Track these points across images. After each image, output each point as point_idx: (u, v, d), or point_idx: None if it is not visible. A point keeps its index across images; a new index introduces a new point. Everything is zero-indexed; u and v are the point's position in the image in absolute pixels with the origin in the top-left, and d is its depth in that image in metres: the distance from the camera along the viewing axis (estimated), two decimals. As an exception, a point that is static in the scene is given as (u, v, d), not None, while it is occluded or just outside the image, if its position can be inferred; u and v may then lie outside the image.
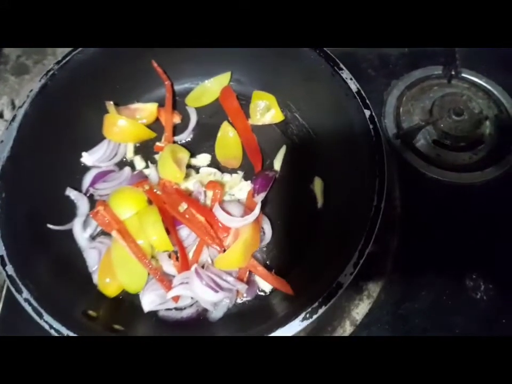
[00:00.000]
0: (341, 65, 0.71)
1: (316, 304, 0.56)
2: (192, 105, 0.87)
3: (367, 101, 0.68)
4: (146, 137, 0.84)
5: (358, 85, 0.69)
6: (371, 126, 0.66)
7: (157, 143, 0.82)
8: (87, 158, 0.81)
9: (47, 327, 0.57)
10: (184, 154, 0.78)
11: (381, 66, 1.01)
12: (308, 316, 0.55)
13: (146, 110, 0.84)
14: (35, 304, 0.59)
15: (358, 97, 0.68)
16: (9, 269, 0.61)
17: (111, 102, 0.82)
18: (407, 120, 0.92)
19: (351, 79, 0.70)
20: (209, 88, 0.87)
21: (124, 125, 0.81)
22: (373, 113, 0.67)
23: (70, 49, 0.77)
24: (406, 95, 0.95)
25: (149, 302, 0.69)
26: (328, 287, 0.56)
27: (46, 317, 0.58)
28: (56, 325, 0.57)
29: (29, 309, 0.59)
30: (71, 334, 0.56)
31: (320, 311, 0.56)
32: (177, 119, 0.85)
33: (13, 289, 0.60)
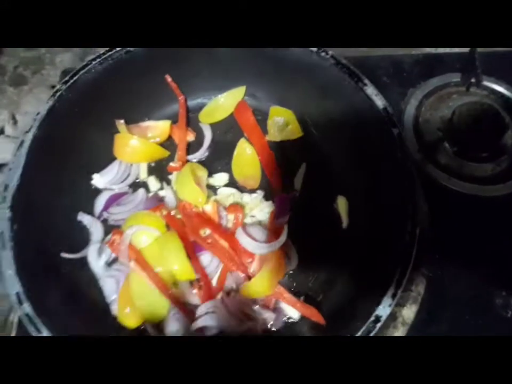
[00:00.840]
0: (366, 81, 0.68)
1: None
2: (206, 121, 0.83)
3: (394, 118, 0.65)
4: (159, 156, 0.80)
5: (384, 102, 0.66)
6: (399, 144, 0.63)
7: (171, 164, 0.79)
8: (98, 180, 0.78)
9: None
10: (203, 173, 0.75)
11: (396, 74, 0.98)
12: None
13: (158, 127, 0.81)
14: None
15: (384, 114, 0.65)
16: (27, 307, 0.58)
17: (122, 121, 0.78)
18: (426, 130, 0.89)
19: (376, 95, 0.67)
20: (223, 103, 0.83)
21: (136, 145, 0.77)
22: (401, 132, 0.64)
23: (74, 67, 0.74)
24: (425, 105, 0.92)
25: (173, 333, 0.66)
26: (366, 320, 0.54)
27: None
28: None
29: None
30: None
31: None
32: (191, 137, 0.82)
33: (31, 329, 0.57)
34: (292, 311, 0.67)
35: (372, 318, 0.54)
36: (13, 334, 0.78)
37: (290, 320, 0.68)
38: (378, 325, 0.53)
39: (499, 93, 0.92)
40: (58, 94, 0.71)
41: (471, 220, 0.82)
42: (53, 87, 1.24)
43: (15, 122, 1.17)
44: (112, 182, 0.78)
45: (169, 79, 0.81)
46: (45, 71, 1.33)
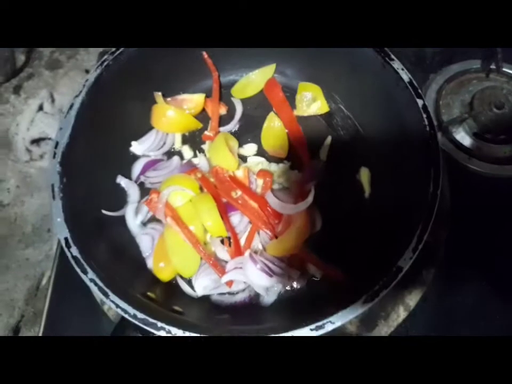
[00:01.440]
0: (392, 56, 0.72)
1: (377, 287, 0.57)
2: (238, 96, 0.89)
3: (419, 91, 0.69)
4: (193, 127, 0.86)
5: (409, 75, 0.70)
6: (424, 115, 0.67)
7: (206, 132, 0.84)
8: (136, 147, 0.83)
9: (113, 306, 0.59)
10: (234, 143, 0.80)
11: (418, 61, 1.02)
12: (369, 299, 0.56)
13: (193, 100, 0.86)
14: (101, 284, 0.60)
15: (410, 87, 0.69)
16: (74, 250, 0.63)
17: (159, 93, 0.84)
18: (447, 113, 0.93)
19: (402, 69, 0.71)
20: (254, 80, 0.88)
21: (172, 115, 0.82)
22: (426, 103, 0.68)
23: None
24: (445, 89, 0.96)
25: (203, 287, 0.71)
26: (389, 271, 0.57)
27: (112, 296, 0.59)
28: (122, 304, 0.59)
29: (94, 289, 0.60)
30: (137, 313, 0.58)
31: (381, 295, 0.56)
32: (223, 110, 0.87)
33: (78, 270, 0.61)
34: (315, 270, 0.71)
35: (394, 269, 0.57)
36: (48, 296, 0.84)
37: (313, 279, 0.72)
38: (400, 274, 0.57)
39: (519, 79, 0.95)
40: (105, 63, 0.76)
41: (491, 198, 0.85)
42: (87, 71, 1.32)
43: (53, 100, 1.23)
44: (149, 149, 0.83)
45: (205, 55, 0.86)
46: (79, 56, 1.40)
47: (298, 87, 0.86)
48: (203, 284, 0.71)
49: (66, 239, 0.64)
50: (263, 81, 0.88)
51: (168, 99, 0.86)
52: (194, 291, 0.72)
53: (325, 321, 0.56)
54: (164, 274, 0.72)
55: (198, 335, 0.55)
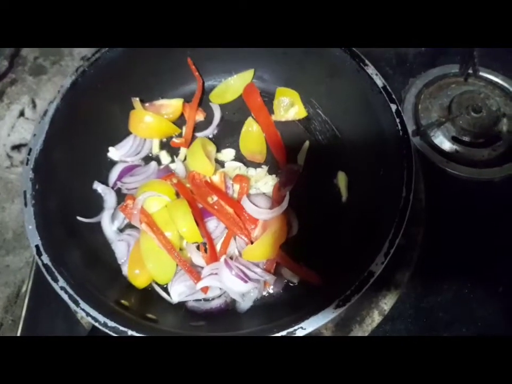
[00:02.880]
0: (366, 61, 0.73)
1: (349, 292, 0.57)
2: (216, 102, 0.88)
3: (393, 96, 0.69)
4: (171, 132, 0.85)
5: (383, 80, 0.71)
6: (398, 120, 0.67)
7: (174, 139, 0.84)
8: (113, 152, 0.83)
9: (83, 314, 0.58)
10: (212, 148, 0.80)
11: (398, 65, 1.03)
12: (340, 303, 0.56)
13: (171, 106, 0.86)
14: (71, 292, 0.60)
15: (384, 92, 0.70)
16: (45, 258, 0.62)
17: (137, 99, 0.84)
18: (425, 117, 0.94)
19: (376, 74, 0.71)
20: (232, 85, 0.88)
21: (150, 121, 0.82)
22: (399, 108, 0.68)
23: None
24: (424, 93, 0.97)
25: (178, 293, 0.70)
26: (360, 276, 0.57)
27: (83, 304, 0.59)
28: (93, 312, 0.58)
29: (65, 297, 0.60)
30: (108, 321, 0.57)
31: (353, 299, 0.56)
32: (200, 116, 0.87)
33: (49, 278, 0.61)
34: (291, 275, 0.71)
35: (365, 274, 0.57)
36: (25, 303, 0.83)
37: (289, 284, 0.72)
38: (372, 279, 0.57)
39: (495, 83, 0.96)
40: (80, 69, 0.76)
41: (469, 200, 0.86)
42: (71, 76, 1.30)
43: (34, 106, 1.23)
44: (126, 155, 0.83)
45: (190, 62, 0.86)
46: (63, 62, 1.40)
47: (276, 92, 0.86)
48: (178, 290, 0.71)
49: (37, 246, 0.63)
50: (242, 86, 0.88)
51: (146, 104, 0.86)
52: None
53: (296, 327, 0.56)
54: (139, 281, 0.71)
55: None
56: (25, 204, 0.66)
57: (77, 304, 0.59)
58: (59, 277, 0.61)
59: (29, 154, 0.70)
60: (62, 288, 0.60)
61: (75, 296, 0.59)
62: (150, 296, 0.72)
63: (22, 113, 1.17)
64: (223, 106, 0.88)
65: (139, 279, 0.72)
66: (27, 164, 0.69)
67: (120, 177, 0.81)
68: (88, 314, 0.58)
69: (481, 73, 0.96)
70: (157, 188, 0.74)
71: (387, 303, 0.70)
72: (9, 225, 1.10)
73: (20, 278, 1.04)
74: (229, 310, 0.71)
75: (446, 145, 0.90)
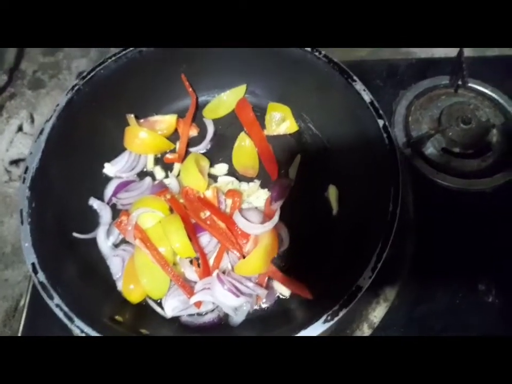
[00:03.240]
0: (354, 77, 0.74)
1: (337, 306, 0.58)
2: (209, 117, 0.90)
3: (380, 111, 0.71)
4: (165, 148, 0.87)
5: (371, 96, 0.72)
6: (385, 135, 0.69)
7: (167, 155, 0.86)
8: (109, 168, 0.84)
9: (78, 331, 0.59)
10: (205, 163, 0.81)
11: (389, 77, 1.04)
12: (329, 318, 0.57)
13: (165, 121, 0.88)
14: (66, 309, 0.61)
15: (371, 107, 0.71)
16: (41, 276, 0.63)
17: (132, 115, 0.85)
18: (416, 128, 0.95)
19: (364, 90, 0.73)
20: (225, 101, 0.90)
21: (145, 137, 0.84)
22: (386, 123, 0.69)
23: (91, 66, 0.80)
24: (415, 105, 0.98)
25: (172, 308, 0.71)
26: (348, 291, 0.59)
27: (77, 321, 0.60)
28: (87, 329, 0.59)
29: (60, 314, 0.61)
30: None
31: (341, 314, 0.58)
32: (194, 132, 0.89)
33: (44, 296, 0.62)
34: (283, 289, 0.72)
35: (353, 289, 0.58)
36: (23, 317, 0.84)
37: (281, 297, 0.73)
38: (359, 294, 0.58)
39: (485, 94, 0.97)
40: (76, 88, 0.78)
41: (460, 211, 0.86)
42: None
43: (32, 121, 1.25)
44: (121, 170, 0.85)
45: (184, 79, 0.88)
46: (61, 75, 1.42)
47: (268, 108, 0.88)
48: (172, 305, 0.72)
49: (33, 264, 0.64)
50: (234, 101, 0.89)
51: (141, 121, 0.88)
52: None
53: (285, 342, 0.57)
54: (134, 296, 0.73)
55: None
56: (22, 222, 0.68)
57: (72, 321, 0.60)
58: (54, 295, 0.62)
59: (25, 172, 0.71)
60: (57, 305, 0.61)
61: (70, 313, 0.61)
62: (144, 311, 0.73)
63: (20, 128, 1.20)
64: (216, 121, 0.90)
65: (133, 294, 0.73)
66: (23, 182, 0.71)
67: (115, 193, 0.82)
68: (82, 331, 0.59)
69: (470, 84, 0.97)
70: (150, 204, 0.75)
71: (376, 315, 0.71)
72: (8, 239, 1.12)
73: (18, 292, 1.05)
74: (221, 324, 0.72)
75: (437, 156, 0.91)
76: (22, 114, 1.21)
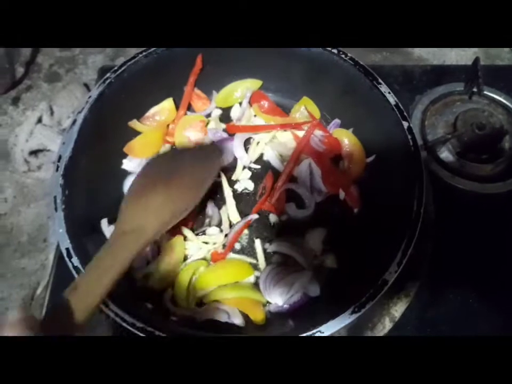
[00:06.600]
0: (380, 80, 0.77)
1: (364, 298, 0.60)
2: (220, 105, 0.93)
3: (405, 113, 0.74)
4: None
5: (395, 98, 0.75)
6: (409, 136, 0.71)
7: None
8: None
9: (112, 315, 0.61)
10: None
11: (405, 82, 1.07)
12: (356, 309, 0.60)
13: (164, 109, 0.89)
14: (100, 293, 0.62)
15: (396, 109, 0.74)
16: (75, 260, 0.65)
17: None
18: (431, 133, 0.98)
19: (389, 92, 0.76)
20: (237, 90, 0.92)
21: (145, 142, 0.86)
22: (411, 125, 0.72)
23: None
24: (430, 110, 1.01)
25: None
26: (375, 284, 0.61)
27: (112, 306, 0.62)
28: (121, 313, 0.61)
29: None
30: (136, 322, 0.60)
31: (368, 305, 0.60)
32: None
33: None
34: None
35: (379, 282, 0.61)
36: (44, 306, 0.84)
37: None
38: (386, 287, 0.60)
39: (499, 101, 1.01)
40: (108, 81, 0.79)
41: (474, 213, 0.89)
42: (86, 85, 1.35)
43: (51, 113, 1.26)
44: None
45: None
46: (78, 70, 1.44)
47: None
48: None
49: (67, 249, 0.66)
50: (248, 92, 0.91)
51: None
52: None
53: (314, 330, 0.59)
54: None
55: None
56: (56, 209, 0.69)
57: (106, 305, 0.62)
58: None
59: (58, 161, 0.73)
60: (92, 289, 0.63)
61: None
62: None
63: (39, 120, 1.20)
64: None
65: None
66: (57, 170, 0.72)
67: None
68: (117, 314, 0.61)
69: (485, 92, 1.01)
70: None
71: (398, 310, 0.74)
72: (24, 228, 1.13)
73: (35, 280, 1.06)
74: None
75: (452, 160, 0.94)
76: (41, 106, 1.22)
